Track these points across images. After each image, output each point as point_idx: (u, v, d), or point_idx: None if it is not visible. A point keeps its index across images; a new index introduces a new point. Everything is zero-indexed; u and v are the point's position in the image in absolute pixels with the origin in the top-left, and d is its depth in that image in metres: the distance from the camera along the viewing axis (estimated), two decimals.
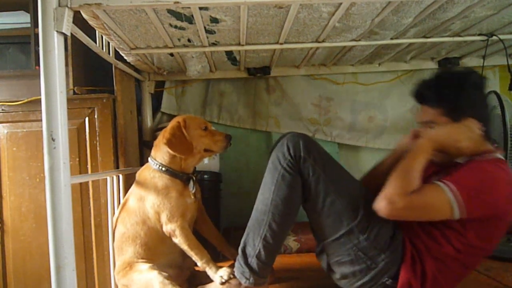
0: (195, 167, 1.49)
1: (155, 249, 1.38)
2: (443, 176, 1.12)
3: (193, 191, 1.41)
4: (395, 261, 1.17)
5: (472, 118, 1.15)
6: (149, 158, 1.45)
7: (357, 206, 1.19)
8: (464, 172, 1.11)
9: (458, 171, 1.12)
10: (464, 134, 1.13)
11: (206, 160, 1.41)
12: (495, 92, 1.64)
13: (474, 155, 1.15)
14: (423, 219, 1.15)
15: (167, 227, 1.33)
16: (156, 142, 1.46)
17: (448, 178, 1.09)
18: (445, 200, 1.05)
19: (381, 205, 1.08)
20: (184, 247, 1.34)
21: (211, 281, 1.33)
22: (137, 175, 1.47)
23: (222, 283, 1.28)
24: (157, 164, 1.40)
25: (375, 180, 1.34)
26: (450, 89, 1.17)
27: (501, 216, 1.11)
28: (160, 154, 1.42)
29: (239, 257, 1.26)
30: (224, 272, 1.30)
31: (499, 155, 1.17)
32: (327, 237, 1.23)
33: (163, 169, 1.39)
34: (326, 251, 1.27)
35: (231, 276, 1.28)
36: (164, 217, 1.34)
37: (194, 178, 1.44)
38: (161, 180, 1.38)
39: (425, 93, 1.24)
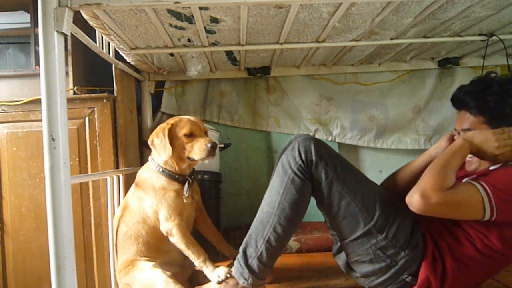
0: (193, 170, 1.49)
1: (157, 247, 1.38)
2: (476, 178, 1.11)
3: (187, 195, 1.39)
4: (416, 258, 1.17)
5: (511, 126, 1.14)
6: (149, 158, 1.46)
7: (373, 206, 1.19)
8: (500, 176, 1.10)
9: (493, 173, 1.11)
10: (503, 142, 1.11)
11: (206, 160, 1.40)
12: None
13: (509, 162, 1.15)
14: (453, 217, 1.14)
15: (164, 226, 1.34)
16: None
17: (483, 179, 1.08)
18: (478, 200, 1.04)
19: (414, 198, 1.06)
20: (181, 246, 1.34)
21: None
22: (137, 174, 1.48)
23: (219, 282, 1.27)
24: (155, 165, 1.41)
25: (402, 182, 1.33)
26: (493, 97, 1.16)
27: None
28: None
29: (240, 257, 1.26)
30: (221, 271, 1.29)
31: None
32: (345, 237, 1.23)
33: (161, 170, 1.40)
34: (345, 250, 1.28)
35: (228, 275, 1.27)
36: (161, 216, 1.34)
37: (190, 181, 1.42)
38: (158, 180, 1.39)
39: (466, 99, 1.21)
